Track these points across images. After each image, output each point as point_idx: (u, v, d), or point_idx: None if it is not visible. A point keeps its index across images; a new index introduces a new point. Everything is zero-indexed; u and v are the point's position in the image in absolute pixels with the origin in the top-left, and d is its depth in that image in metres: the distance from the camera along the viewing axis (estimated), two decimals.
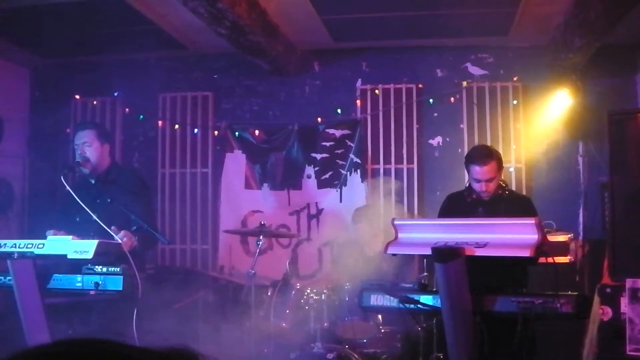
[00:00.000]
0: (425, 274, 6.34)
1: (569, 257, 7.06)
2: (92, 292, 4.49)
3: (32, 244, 4.45)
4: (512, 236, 4.14)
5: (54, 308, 4.65)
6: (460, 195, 5.73)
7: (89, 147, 5.41)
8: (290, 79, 8.66)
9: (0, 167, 8.66)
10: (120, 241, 4.61)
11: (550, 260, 4.18)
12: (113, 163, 5.67)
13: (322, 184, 8.42)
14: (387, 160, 8.30)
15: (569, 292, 4.33)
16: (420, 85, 8.37)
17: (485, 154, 5.53)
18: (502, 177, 5.64)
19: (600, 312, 5.90)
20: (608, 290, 5.91)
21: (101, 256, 4.41)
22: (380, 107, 8.36)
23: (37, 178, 8.69)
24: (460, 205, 5.58)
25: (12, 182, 8.84)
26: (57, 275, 4.62)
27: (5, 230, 8.46)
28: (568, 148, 7.93)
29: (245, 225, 8.35)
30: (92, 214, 4.68)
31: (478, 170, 5.40)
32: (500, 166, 5.44)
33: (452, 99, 8.27)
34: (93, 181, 5.44)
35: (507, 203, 5.41)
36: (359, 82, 8.51)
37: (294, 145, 8.49)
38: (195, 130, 8.75)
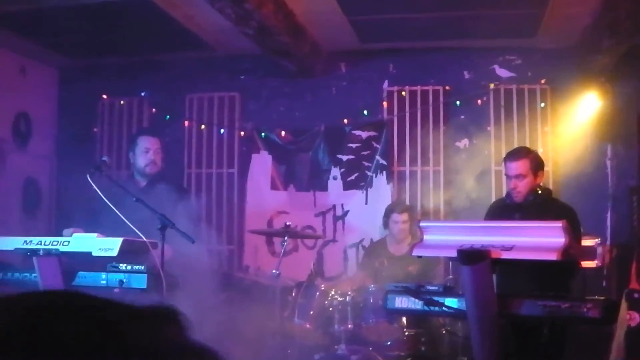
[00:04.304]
0: (451, 276, 6.31)
1: (596, 262, 7.00)
2: (116, 290, 4.51)
3: (58, 242, 4.49)
4: (538, 239, 4.10)
5: None
6: (502, 200, 5.69)
7: (159, 154, 5.80)
8: (316, 80, 8.65)
9: (29, 166, 8.74)
10: (144, 238, 4.62)
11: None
12: (162, 169, 5.96)
13: (347, 186, 8.40)
14: (413, 162, 8.27)
15: (596, 297, 4.29)
16: (447, 87, 8.32)
17: (517, 151, 5.51)
18: (541, 183, 5.48)
19: (627, 317, 5.85)
20: (636, 295, 5.86)
21: (126, 254, 4.43)
22: (407, 109, 8.33)
23: (65, 177, 8.74)
24: (499, 209, 5.53)
25: (40, 181, 8.91)
26: (82, 272, 4.65)
27: (33, 229, 8.52)
28: (596, 151, 7.84)
29: (271, 226, 8.34)
30: (117, 211, 4.69)
31: (507, 165, 5.36)
32: (533, 167, 5.28)
33: (479, 101, 8.22)
34: (144, 183, 5.71)
35: (546, 210, 5.16)
36: (386, 83, 8.48)
37: (320, 147, 8.48)
38: (222, 131, 8.76)
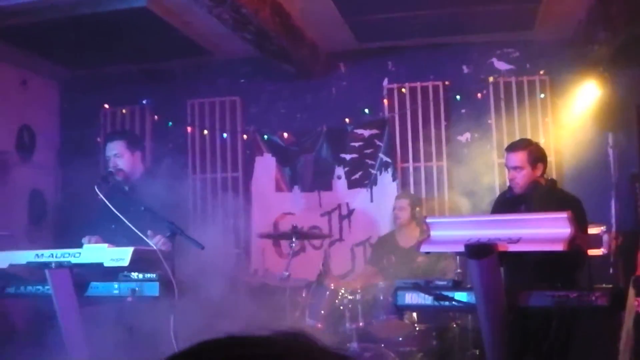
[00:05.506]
0: (459, 270, 6.35)
1: (602, 250, 7.02)
2: (129, 299, 4.54)
3: (69, 254, 4.51)
4: (544, 230, 4.14)
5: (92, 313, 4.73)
6: (506, 192, 5.68)
7: (120, 159, 5.52)
8: (316, 82, 8.69)
9: (33, 178, 8.78)
10: (154, 247, 4.65)
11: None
12: (146, 171, 5.73)
13: (352, 184, 8.44)
14: (416, 158, 8.30)
15: (604, 285, 4.32)
16: (446, 82, 8.35)
17: (515, 143, 5.52)
18: (541, 175, 5.44)
19: (635, 304, 5.86)
20: None
21: (137, 263, 4.46)
22: (408, 106, 8.36)
23: (69, 188, 8.77)
24: (504, 202, 5.52)
25: (45, 192, 8.95)
26: (94, 283, 4.67)
27: (40, 240, 8.56)
28: (598, 140, 7.84)
29: (277, 228, 8.38)
30: (127, 222, 4.73)
31: (506, 157, 5.39)
32: (531, 159, 5.25)
33: (479, 94, 8.24)
34: (127, 188, 5.53)
35: (551, 201, 5.12)
36: (386, 81, 8.51)
37: (322, 147, 8.51)
38: (224, 135, 8.80)
